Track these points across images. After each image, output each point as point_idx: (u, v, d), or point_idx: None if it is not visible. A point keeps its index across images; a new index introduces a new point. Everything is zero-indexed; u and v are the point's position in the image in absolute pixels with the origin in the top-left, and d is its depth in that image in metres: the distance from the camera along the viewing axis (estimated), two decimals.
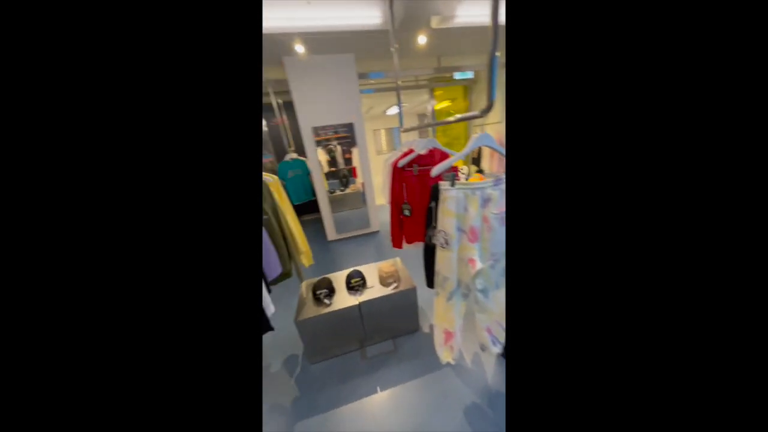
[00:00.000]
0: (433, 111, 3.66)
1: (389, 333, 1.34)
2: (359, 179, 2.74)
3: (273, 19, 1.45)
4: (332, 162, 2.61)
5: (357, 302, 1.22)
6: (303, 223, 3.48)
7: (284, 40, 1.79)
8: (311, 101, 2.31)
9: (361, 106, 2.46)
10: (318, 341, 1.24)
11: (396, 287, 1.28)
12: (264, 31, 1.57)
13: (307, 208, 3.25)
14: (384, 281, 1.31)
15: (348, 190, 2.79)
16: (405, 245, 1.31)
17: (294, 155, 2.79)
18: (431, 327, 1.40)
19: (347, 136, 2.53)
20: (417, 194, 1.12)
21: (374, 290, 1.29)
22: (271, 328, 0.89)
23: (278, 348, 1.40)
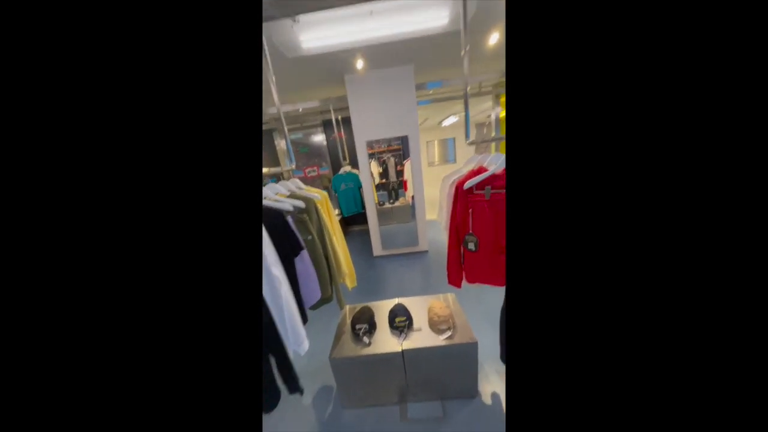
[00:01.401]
0: (498, 119, 3.25)
1: (437, 392, 1.08)
2: (409, 192, 2.58)
3: (335, 36, 1.46)
4: (384, 174, 2.54)
5: (400, 348, 1.01)
6: (351, 235, 3.55)
7: (346, 57, 1.82)
8: (368, 116, 2.31)
9: (417, 118, 2.33)
10: (352, 386, 1.07)
11: (450, 337, 1.02)
12: (327, 49, 1.61)
13: (355, 219, 3.27)
14: (435, 326, 1.06)
15: (397, 203, 2.65)
16: (464, 283, 1.05)
17: (348, 168, 2.85)
18: (495, 397, 1.07)
19: (400, 149, 2.42)
20: (488, 225, 0.87)
21: (422, 335, 1.06)
22: (299, 390, 0.72)
23: (313, 375, 1.30)
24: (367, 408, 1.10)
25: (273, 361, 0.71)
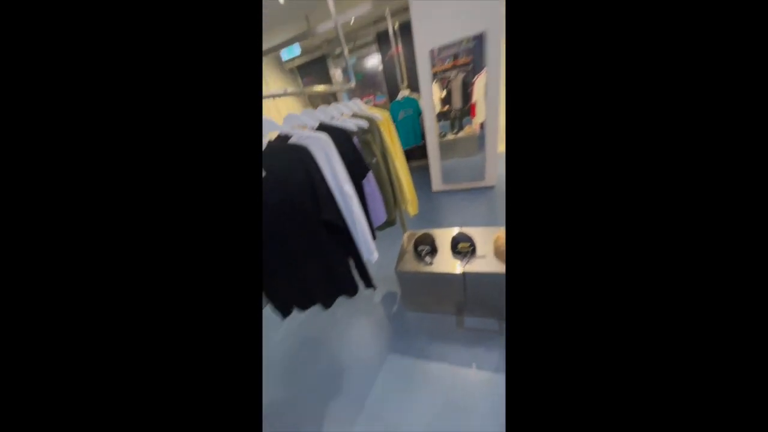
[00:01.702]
0: None
1: (495, 312, 1.13)
2: (478, 119, 2.15)
3: None
4: (446, 99, 2.14)
5: (461, 271, 1.04)
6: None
7: None
8: (432, 9, 1.80)
9: (502, 2, 1.69)
10: (414, 294, 1.23)
11: None
12: None
13: (413, 153, 3.10)
14: (502, 255, 1.02)
15: (462, 134, 2.31)
16: None
17: (406, 92, 2.53)
18: None
19: (469, 62, 1.91)
20: None
21: (485, 262, 1.05)
22: (372, 286, 0.88)
23: (381, 282, 1.55)
24: (427, 314, 1.28)
25: (352, 263, 0.85)
